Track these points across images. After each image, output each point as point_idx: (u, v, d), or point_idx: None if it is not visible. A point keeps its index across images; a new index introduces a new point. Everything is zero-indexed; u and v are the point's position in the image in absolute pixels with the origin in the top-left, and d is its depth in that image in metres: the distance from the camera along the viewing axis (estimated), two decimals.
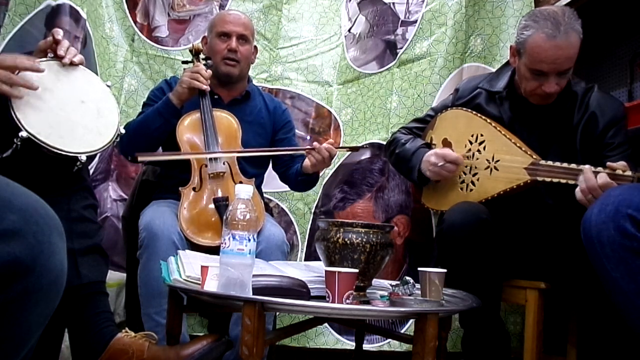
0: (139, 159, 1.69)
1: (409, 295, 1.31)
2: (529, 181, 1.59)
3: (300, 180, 1.94)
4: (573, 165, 1.50)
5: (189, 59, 1.93)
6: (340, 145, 1.91)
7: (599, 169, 1.42)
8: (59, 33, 1.35)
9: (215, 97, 1.94)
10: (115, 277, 2.02)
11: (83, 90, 1.36)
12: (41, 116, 1.24)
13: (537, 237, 1.68)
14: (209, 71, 1.81)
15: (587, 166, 1.45)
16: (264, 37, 2.50)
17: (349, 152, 2.31)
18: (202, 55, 1.91)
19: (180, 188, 1.73)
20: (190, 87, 1.75)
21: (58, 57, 1.34)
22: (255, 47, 2.03)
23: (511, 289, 1.69)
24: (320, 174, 2.34)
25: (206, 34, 2.01)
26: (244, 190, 1.09)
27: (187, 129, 1.81)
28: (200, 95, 1.81)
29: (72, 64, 1.35)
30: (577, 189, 1.44)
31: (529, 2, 2.22)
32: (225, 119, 1.87)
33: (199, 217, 1.69)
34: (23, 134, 1.20)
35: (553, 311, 1.78)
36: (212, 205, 1.70)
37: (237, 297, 1.03)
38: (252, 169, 1.91)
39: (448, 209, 1.64)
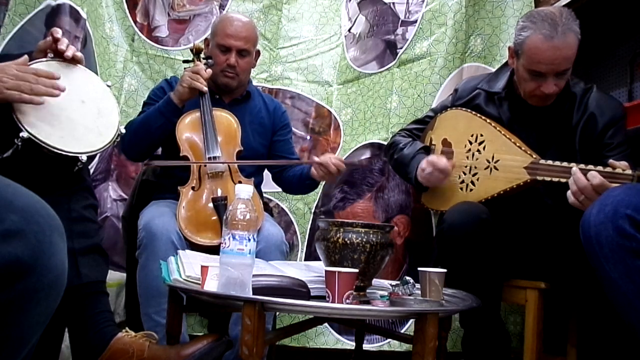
0: (153, 164, 1.70)
1: (409, 295, 1.31)
2: (528, 180, 1.59)
3: (307, 184, 1.95)
4: (573, 165, 1.49)
5: (190, 58, 1.93)
6: (347, 161, 1.88)
7: (590, 166, 1.41)
8: (57, 32, 1.35)
9: (216, 96, 1.95)
10: (115, 277, 2.02)
11: (83, 90, 1.36)
12: (41, 116, 1.24)
13: (537, 237, 1.68)
14: (209, 70, 1.82)
15: (575, 167, 1.42)
16: (264, 37, 2.50)
17: (353, 151, 2.31)
18: (202, 55, 1.91)
19: (179, 187, 1.74)
20: (191, 87, 1.76)
21: (59, 53, 1.34)
22: (258, 51, 2.03)
23: (511, 289, 1.69)
24: None
25: (208, 37, 2.01)
26: (244, 190, 1.10)
27: (187, 128, 1.81)
28: (201, 95, 1.82)
29: (73, 58, 1.35)
30: (569, 192, 1.42)
31: (529, 2, 2.22)
32: (225, 119, 1.87)
33: (197, 216, 1.69)
34: (24, 134, 1.20)
35: (553, 311, 1.78)
36: (210, 205, 1.70)
37: (237, 297, 1.04)
38: (250, 168, 1.91)
39: (448, 209, 1.64)
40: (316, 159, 1.83)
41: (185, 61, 2.00)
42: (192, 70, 1.79)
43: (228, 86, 1.94)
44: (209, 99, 1.83)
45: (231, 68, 1.91)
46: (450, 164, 1.74)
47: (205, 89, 1.78)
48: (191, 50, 1.92)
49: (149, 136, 1.78)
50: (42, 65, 1.31)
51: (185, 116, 1.82)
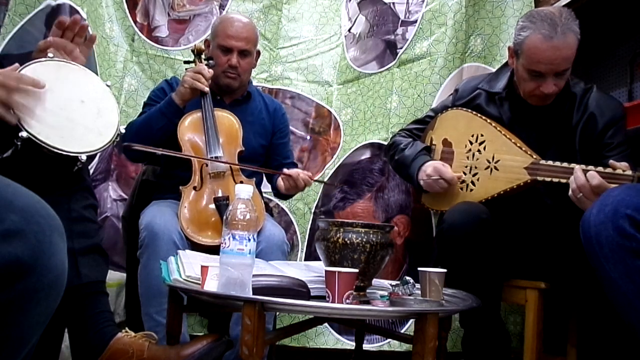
0: (134, 147, 1.64)
1: (409, 295, 1.31)
2: (529, 181, 1.59)
3: (275, 194, 2.05)
4: (573, 165, 1.50)
5: (191, 58, 1.93)
6: (316, 179, 2.00)
7: (591, 167, 1.42)
8: (66, 19, 1.39)
9: (217, 97, 1.95)
10: (115, 277, 2.02)
11: (83, 90, 1.36)
12: (41, 116, 1.24)
13: (537, 237, 1.68)
14: (211, 71, 1.82)
15: (577, 166, 1.44)
16: (264, 37, 2.50)
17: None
18: (203, 56, 1.91)
19: (180, 187, 1.74)
20: (192, 87, 1.76)
21: (81, 32, 1.36)
22: (258, 51, 2.03)
23: (511, 289, 1.69)
24: (320, 174, 2.36)
25: (209, 38, 2.01)
26: (244, 190, 1.10)
27: (189, 129, 1.81)
28: (202, 96, 1.82)
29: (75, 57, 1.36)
30: (570, 190, 1.44)
31: (529, 2, 2.22)
32: (227, 119, 1.87)
33: (199, 216, 1.69)
34: (23, 134, 1.20)
35: (553, 311, 1.78)
36: (212, 205, 1.70)
37: (237, 297, 1.04)
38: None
39: (448, 209, 1.64)
40: (285, 170, 1.86)
41: (186, 62, 2.00)
42: (194, 70, 1.79)
43: (230, 87, 1.94)
44: (210, 99, 1.83)
45: (233, 69, 1.91)
46: (457, 176, 1.75)
47: (207, 89, 1.79)
48: (192, 51, 1.92)
49: (150, 137, 1.78)
50: (41, 65, 1.30)
51: (187, 117, 1.82)
